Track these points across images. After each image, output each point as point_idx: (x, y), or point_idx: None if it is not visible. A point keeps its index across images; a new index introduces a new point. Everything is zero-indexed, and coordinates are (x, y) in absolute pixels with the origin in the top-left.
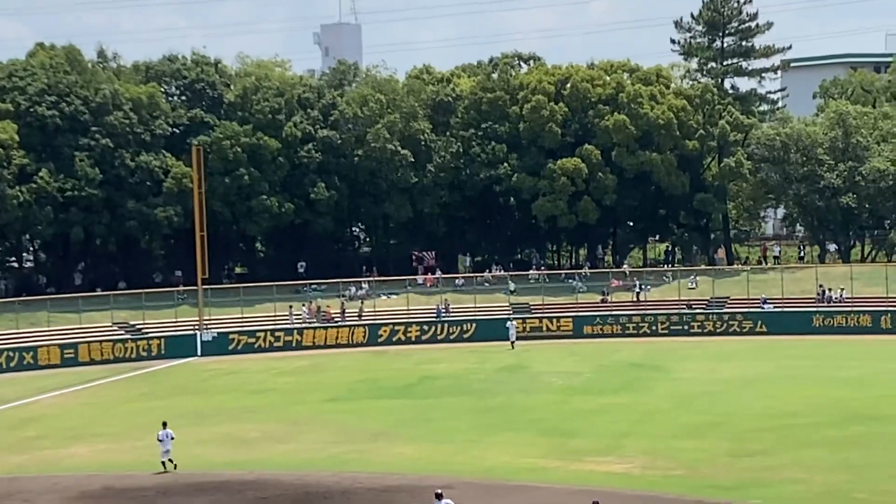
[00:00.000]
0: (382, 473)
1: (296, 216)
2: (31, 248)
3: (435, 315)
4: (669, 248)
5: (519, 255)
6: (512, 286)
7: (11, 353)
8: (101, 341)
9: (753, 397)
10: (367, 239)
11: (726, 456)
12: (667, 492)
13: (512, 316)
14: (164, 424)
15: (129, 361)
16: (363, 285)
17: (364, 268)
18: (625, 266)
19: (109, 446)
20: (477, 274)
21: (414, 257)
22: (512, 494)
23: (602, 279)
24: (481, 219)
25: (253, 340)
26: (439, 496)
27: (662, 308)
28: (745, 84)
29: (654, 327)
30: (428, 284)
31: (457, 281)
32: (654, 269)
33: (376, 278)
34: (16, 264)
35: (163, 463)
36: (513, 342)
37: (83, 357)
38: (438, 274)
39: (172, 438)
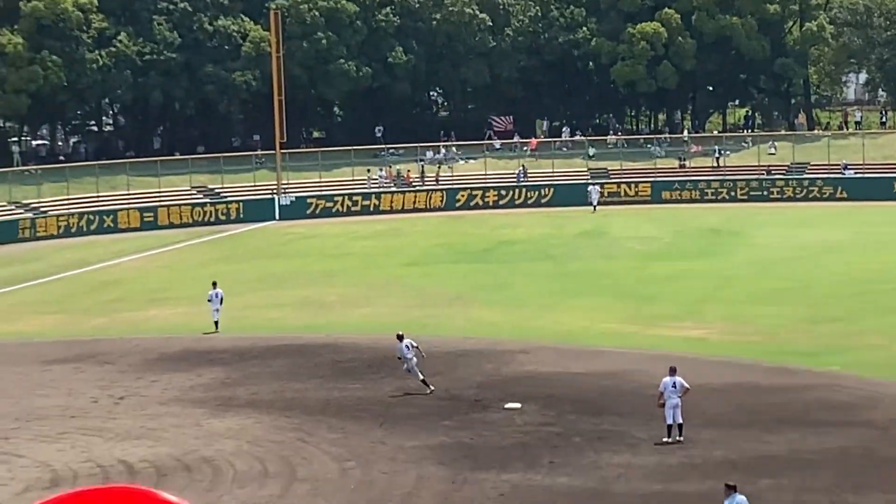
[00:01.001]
0: (458, 337)
1: (373, 80)
2: (111, 112)
3: (515, 179)
4: (749, 114)
5: (597, 121)
6: (591, 151)
7: (92, 217)
8: (179, 205)
9: (833, 263)
10: (445, 104)
11: (805, 322)
12: (744, 357)
13: (594, 181)
14: (214, 284)
15: (207, 225)
16: (441, 150)
17: (441, 132)
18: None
19: (188, 309)
20: (555, 139)
21: (492, 122)
22: (588, 359)
23: (680, 144)
24: (559, 84)
25: (330, 205)
26: (400, 337)
27: (741, 174)
28: None
29: (732, 193)
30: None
31: (534, 146)
32: (734, 134)
33: (454, 143)
34: (95, 128)
35: (215, 323)
36: (595, 206)
37: (162, 221)
38: (516, 139)
39: (221, 300)
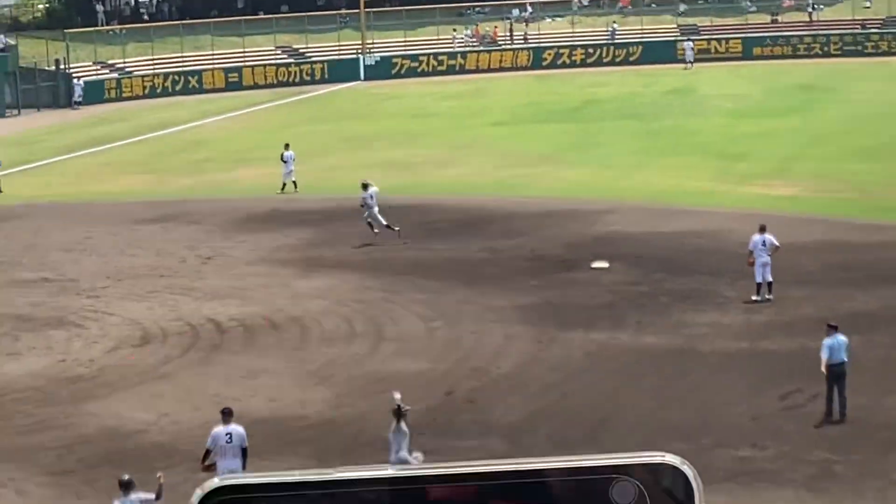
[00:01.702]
0: (546, 197)
1: None
2: None
3: (608, 37)
4: None
5: None
6: (681, 7)
7: (177, 77)
8: (264, 65)
9: None
10: None
11: None
12: (836, 215)
13: (686, 38)
14: (287, 146)
15: (292, 86)
16: (527, 7)
17: None
18: None
19: (275, 170)
20: None
21: None
22: (677, 218)
23: None
24: None
25: (415, 64)
26: (365, 186)
27: (835, 28)
28: None
29: (825, 48)
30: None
31: (626, 1)
32: None
33: (541, 0)
34: None
35: (284, 184)
36: (691, 63)
37: (247, 81)
38: None
39: (294, 160)
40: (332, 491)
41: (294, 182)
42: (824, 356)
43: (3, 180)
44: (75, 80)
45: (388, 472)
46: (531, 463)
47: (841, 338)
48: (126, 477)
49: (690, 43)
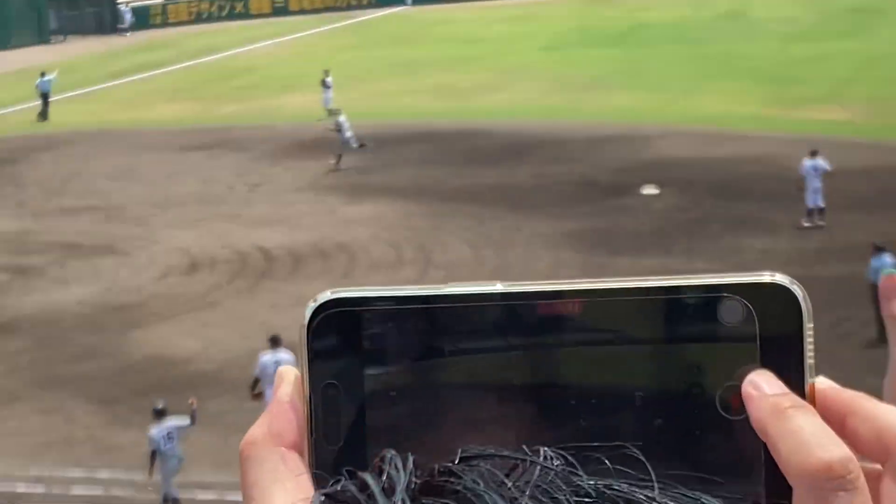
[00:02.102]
0: (596, 123)
1: None
2: None
3: None
4: None
5: None
6: None
7: (223, 2)
8: None
9: None
10: None
11: None
12: (890, 139)
13: None
14: (326, 72)
15: (338, 10)
16: None
17: None
18: None
19: (321, 96)
20: None
21: None
22: (729, 143)
23: None
24: None
25: None
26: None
27: None
28: None
29: None
30: None
31: None
32: None
33: None
34: None
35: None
36: None
37: (293, 6)
38: None
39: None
40: (445, 305)
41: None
42: (871, 275)
43: (49, 107)
44: (123, 7)
45: (498, 287)
46: (638, 281)
47: (888, 259)
48: (159, 405)
49: None
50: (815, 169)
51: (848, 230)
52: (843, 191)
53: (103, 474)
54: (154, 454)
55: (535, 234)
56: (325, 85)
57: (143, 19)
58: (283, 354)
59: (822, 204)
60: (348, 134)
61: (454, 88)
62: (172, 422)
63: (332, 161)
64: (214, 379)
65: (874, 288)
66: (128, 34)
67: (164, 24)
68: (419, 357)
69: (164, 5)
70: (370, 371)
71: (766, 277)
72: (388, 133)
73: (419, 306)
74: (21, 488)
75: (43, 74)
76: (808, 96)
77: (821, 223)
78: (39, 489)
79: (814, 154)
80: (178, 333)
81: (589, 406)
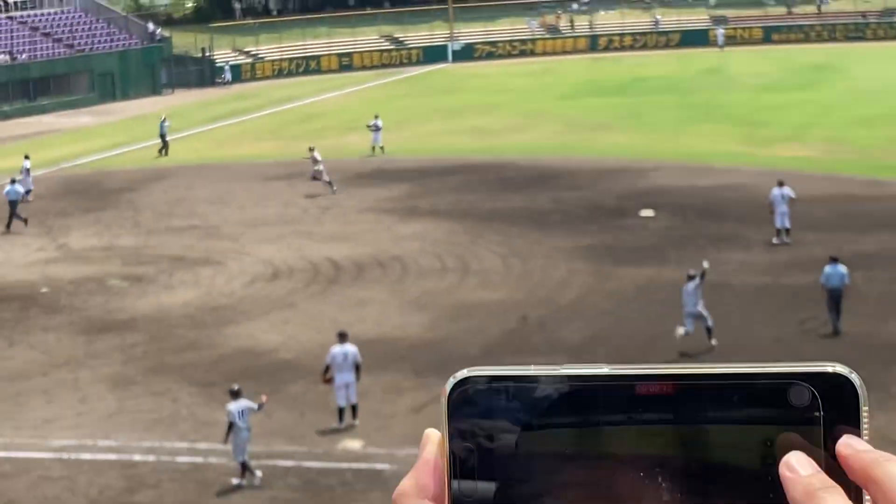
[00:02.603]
0: (602, 157)
1: None
2: None
3: (649, 24)
4: None
5: None
6: (712, 1)
7: (299, 62)
8: (370, 51)
9: None
10: None
11: (895, 142)
12: (843, 172)
13: (718, 25)
14: (376, 116)
15: (393, 67)
16: (585, 1)
17: None
18: None
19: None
20: None
21: None
22: (710, 174)
23: None
24: None
25: (494, 49)
26: (311, 149)
27: (841, 18)
28: None
29: (833, 35)
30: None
31: None
32: None
33: None
34: None
35: (373, 147)
36: (722, 46)
37: (357, 63)
38: None
39: (379, 129)
40: (561, 384)
41: (382, 147)
42: (822, 280)
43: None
44: (224, 64)
45: (605, 370)
46: (722, 367)
47: (840, 268)
48: (236, 387)
49: (721, 29)
50: (783, 196)
51: (810, 247)
52: (805, 214)
53: (202, 445)
54: (231, 426)
55: (553, 248)
56: (375, 127)
57: (237, 74)
58: (350, 347)
59: (788, 225)
60: (320, 167)
61: (487, 129)
62: (245, 403)
63: (331, 188)
64: (292, 366)
65: (830, 291)
66: (225, 87)
67: (253, 79)
68: (538, 426)
69: (252, 64)
70: (499, 437)
71: (828, 368)
72: (433, 166)
73: (542, 385)
74: (136, 457)
75: (164, 119)
76: (775, 136)
77: (787, 241)
78: (151, 458)
79: (781, 184)
80: (263, 329)
81: (680, 477)
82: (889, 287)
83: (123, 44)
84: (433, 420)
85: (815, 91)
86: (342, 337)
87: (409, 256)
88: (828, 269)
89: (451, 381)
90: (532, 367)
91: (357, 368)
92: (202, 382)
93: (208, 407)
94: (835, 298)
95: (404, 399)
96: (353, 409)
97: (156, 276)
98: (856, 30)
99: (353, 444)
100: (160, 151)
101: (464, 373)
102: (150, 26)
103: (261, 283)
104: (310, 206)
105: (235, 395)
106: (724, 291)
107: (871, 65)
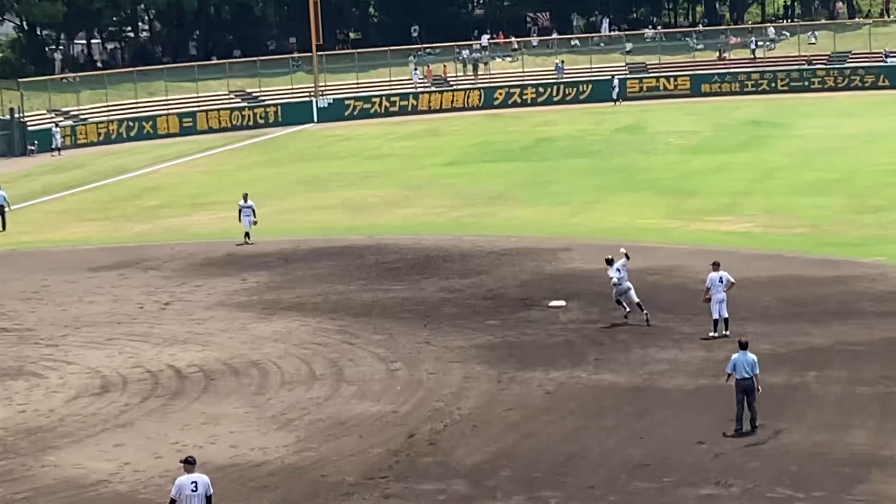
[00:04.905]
0: (500, 236)
1: None
2: (147, 18)
3: (554, 74)
4: (788, 3)
5: (634, 15)
6: (628, 46)
7: (131, 123)
8: (218, 110)
9: (876, 153)
10: (480, 1)
11: (849, 213)
12: (789, 250)
13: (620, 74)
14: (245, 197)
15: (246, 129)
16: (477, 48)
17: (476, 31)
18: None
19: (230, 214)
20: (592, 34)
21: (528, 18)
22: (632, 255)
23: (718, 37)
24: None
25: (368, 106)
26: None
27: (782, 64)
28: None
29: (773, 84)
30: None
31: (571, 42)
32: (773, 24)
33: (491, 40)
34: (132, 34)
35: (245, 234)
36: (616, 100)
37: (201, 126)
38: (554, 35)
39: (254, 211)
40: None
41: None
42: (728, 369)
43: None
44: (54, 128)
45: None
46: None
47: (750, 356)
48: None
49: (616, 80)
50: (721, 280)
51: (753, 341)
52: (745, 301)
53: None
54: None
55: (445, 348)
56: (245, 209)
57: (47, 142)
58: (200, 475)
59: (726, 314)
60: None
61: (361, 204)
62: None
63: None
64: (128, 500)
65: (738, 382)
66: (53, 154)
67: (75, 145)
68: None
69: (73, 126)
70: None
71: None
72: (296, 249)
73: None
74: None
75: None
76: (707, 208)
77: (726, 334)
78: None
79: (716, 266)
80: (91, 455)
81: None
82: (847, 388)
83: None
84: None
85: (752, 152)
86: (190, 464)
87: (270, 362)
88: (735, 356)
89: None
90: None
91: (209, 501)
92: None
93: None
94: (745, 389)
95: None
96: None
97: None
98: (800, 78)
99: None
100: None
101: None
102: None
103: (87, 399)
104: (146, 302)
105: None
106: (653, 397)
107: (819, 119)
